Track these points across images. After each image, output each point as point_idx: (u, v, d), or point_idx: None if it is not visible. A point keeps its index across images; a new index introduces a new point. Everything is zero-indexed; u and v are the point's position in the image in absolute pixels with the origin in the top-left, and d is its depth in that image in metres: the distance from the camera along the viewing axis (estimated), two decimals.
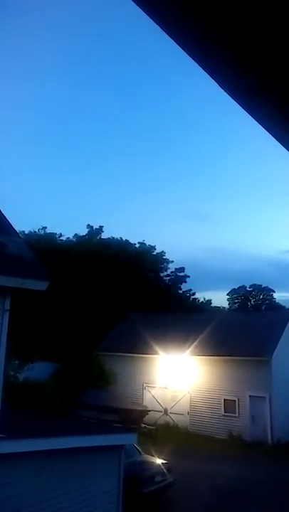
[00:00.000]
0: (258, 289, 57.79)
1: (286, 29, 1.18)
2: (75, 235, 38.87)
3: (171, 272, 41.93)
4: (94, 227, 39.00)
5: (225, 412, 22.70)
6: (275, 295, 57.20)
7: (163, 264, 40.99)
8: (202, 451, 18.83)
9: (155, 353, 24.82)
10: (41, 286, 8.52)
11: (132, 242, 39.27)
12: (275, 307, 50.97)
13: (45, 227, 37.62)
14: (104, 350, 27.17)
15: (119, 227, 72.73)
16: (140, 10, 1.15)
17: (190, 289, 43.55)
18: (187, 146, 69.60)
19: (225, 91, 1.43)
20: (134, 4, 1.15)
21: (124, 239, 39.09)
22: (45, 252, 27.89)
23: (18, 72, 51.84)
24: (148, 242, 40.20)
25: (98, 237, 38.68)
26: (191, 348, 23.86)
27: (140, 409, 22.63)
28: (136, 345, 25.76)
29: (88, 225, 39.03)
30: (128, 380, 25.83)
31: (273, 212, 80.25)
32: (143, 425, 21.09)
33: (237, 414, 22.40)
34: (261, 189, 78.80)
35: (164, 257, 40.80)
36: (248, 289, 57.94)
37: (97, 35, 54.30)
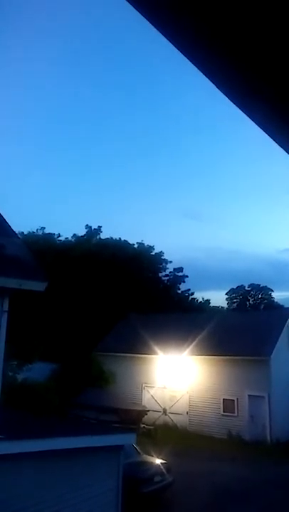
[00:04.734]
0: (256, 288, 57.87)
1: (283, 30, 1.19)
2: (74, 235, 38.90)
3: (170, 272, 42.00)
4: (92, 228, 39.02)
5: (224, 412, 22.71)
6: (273, 294, 57.40)
7: (161, 264, 41.04)
8: (201, 450, 18.84)
9: (154, 353, 24.81)
10: (40, 287, 8.53)
11: (130, 243, 39.34)
12: (273, 306, 51.15)
13: (44, 228, 37.70)
14: (103, 350, 27.16)
15: (117, 228, 72.92)
16: (137, 12, 1.15)
17: (188, 289, 43.69)
18: (185, 146, 69.73)
19: (223, 92, 1.43)
20: (130, 6, 1.15)
21: (122, 239, 39.16)
22: (44, 252, 27.89)
23: (19, 74, 51.82)
24: (146, 243, 40.32)
25: (97, 238, 38.69)
26: (189, 348, 23.85)
27: (139, 409, 22.60)
28: (135, 345, 25.75)
29: (87, 225, 39.09)
30: (127, 380, 25.83)
31: (271, 212, 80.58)
32: (142, 425, 21.07)
33: (236, 414, 22.42)
34: (259, 189, 79.02)
35: (162, 257, 40.84)
36: (246, 288, 58.05)
37: (95, 37, 54.33)
